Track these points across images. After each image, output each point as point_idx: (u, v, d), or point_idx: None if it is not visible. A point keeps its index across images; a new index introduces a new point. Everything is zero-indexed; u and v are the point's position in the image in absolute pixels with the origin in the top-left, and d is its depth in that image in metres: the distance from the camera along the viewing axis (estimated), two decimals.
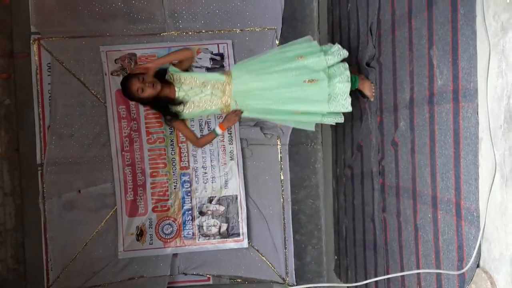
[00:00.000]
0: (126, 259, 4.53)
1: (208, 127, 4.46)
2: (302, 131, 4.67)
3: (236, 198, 4.59)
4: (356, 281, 3.71)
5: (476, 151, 1.93)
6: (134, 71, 3.14)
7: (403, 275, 2.69)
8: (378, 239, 3.21)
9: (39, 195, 4.47)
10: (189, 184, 4.58)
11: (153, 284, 4.57)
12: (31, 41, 4.46)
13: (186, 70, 3.20)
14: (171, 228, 4.58)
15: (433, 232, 2.33)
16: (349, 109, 3.10)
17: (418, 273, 2.50)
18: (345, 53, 3.12)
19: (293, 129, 4.62)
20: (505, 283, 1.77)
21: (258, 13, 4.53)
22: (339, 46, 3.15)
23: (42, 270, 4.46)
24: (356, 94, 3.26)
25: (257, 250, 4.66)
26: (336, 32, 4.10)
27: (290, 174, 4.69)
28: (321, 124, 4.52)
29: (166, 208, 4.58)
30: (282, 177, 4.66)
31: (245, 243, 4.60)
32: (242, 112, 3.20)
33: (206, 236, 4.61)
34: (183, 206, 4.59)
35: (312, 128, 3.46)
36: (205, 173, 4.58)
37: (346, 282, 4.02)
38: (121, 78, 4.27)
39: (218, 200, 4.61)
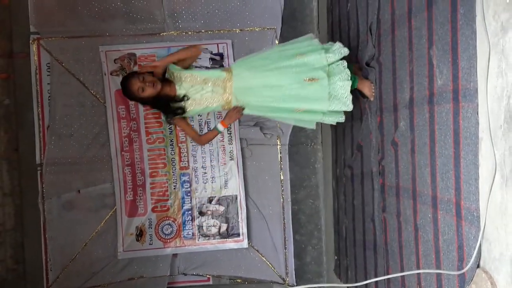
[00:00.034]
0: (125, 259, 4.53)
1: (208, 127, 4.45)
2: (302, 131, 4.67)
3: (236, 198, 4.59)
4: (356, 281, 3.70)
5: (476, 151, 1.92)
6: (142, 70, 3.13)
7: (403, 275, 2.69)
8: (378, 239, 3.21)
9: (38, 195, 4.47)
10: (188, 184, 4.58)
11: (153, 284, 4.56)
12: (31, 41, 4.46)
13: (187, 68, 3.20)
14: (171, 228, 4.57)
15: (433, 232, 2.33)
16: (350, 107, 3.09)
17: (418, 273, 2.50)
18: (345, 51, 3.12)
19: (293, 129, 4.62)
20: (505, 283, 1.76)
21: (258, 13, 4.53)
22: (340, 44, 3.15)
23: (41, 270, 4.47)
24: (356, 94, 3.26)
25: (257, 250, 4.66)
26: (335, 31, 4.10)
27: (290, 174, 4.69)
28: (321, 124, 4.52)
29: (165, 208, 4.57)
30: (282, 177, 4.66)
31: (245, 243, 4.60)
32: (243, 109, 3.20)
33: (206, 236, 4.60)
34: (182, 206, 4.58)
35: (313, 126, 3.46)
36: (205, 173, 4.57)
37: (346, 282, 4.02)
38: (120, 78, 4.27)
39: (218, 200, 4.60)
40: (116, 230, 4.51)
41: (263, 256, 4.66)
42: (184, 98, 3.08)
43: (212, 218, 4.61)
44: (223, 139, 4.54)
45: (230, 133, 4.53)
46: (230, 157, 4.56)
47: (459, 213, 2.07)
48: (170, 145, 4.56)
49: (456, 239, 2.10)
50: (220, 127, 3.31)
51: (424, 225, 2.44)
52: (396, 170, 2.83)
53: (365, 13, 3.27)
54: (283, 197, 4.65)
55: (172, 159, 4.56)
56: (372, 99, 3.22)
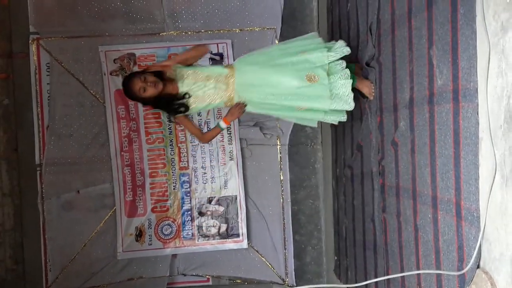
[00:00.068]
0: (125, 259, 4.53)
1: (207, 127, 4.45)
2: (302, 131, 4.66)
3: (236, 198, 4.59)
4: (356, 282, 3.70)
5: (476, 151, 1.92)
6: (151, 69, 3.11)
7: (403, 276, 2.69)
8: (378, 240, 3.20)
9: (38, 195, 4.47)
10: (188, 185, 4.57)
11: (152, 285, 4.56)
12: (30, 41, 4.46)
13: (189, 66, 3.19)
14: (171, 229, 4.57)
15: (433, 232, 2.32)
16: (352, 105, 3.09)
17: (418, 274, 2.49)
18: (347, 51, 3.12)
19: (293, 129, 4.62)
20: (505, 284, 1.76)
21: (258, 13, 4.53)
22: (342, 42, 3.14)
23: (41, 270, 4.46)
24: (355, 94, 3.25)
25: (257, 251, 4.66)
26: (335, 31, 4.10)
27: (289, 174, 4.69)
28: (321, 124, 4.52)
29: (165, 209, 4.57)
30: (281, 177, 4.65)
31: (244, 244, 4.60)
32: (245, 106, 3.19)
33: (205, 236, 4.60)
34: (182, 207, 4.58)
35: (314, 124, 3.47)
36: (205, 173, 4.57)
37: (346, 283, 4.01)
38: (120, 78, 4.28)
39: (218, 200, 4.60)
40: (115, 230, 4.50)
41: (262, 257, 4.66)
42: (186, 95, 3.08)
43: (212, 219, 4.60)
44: (223, 139, 4.53)
45: (230, 133, 4.52)
46: (230, 157, 4.56)
47: (459, 213, 2.06)
48: (170, 145, 4.55)
49: (456, 240, 2.10)
50: (223, 124, 3.30)
51: (424, 225, 2.44)
52: (396, 170, 2.82)
53: (365, 13, 3.27)
54: (283, 197, 4.65)
55: (172, 159, 4.55)
56: (371, 98, 3.21)
